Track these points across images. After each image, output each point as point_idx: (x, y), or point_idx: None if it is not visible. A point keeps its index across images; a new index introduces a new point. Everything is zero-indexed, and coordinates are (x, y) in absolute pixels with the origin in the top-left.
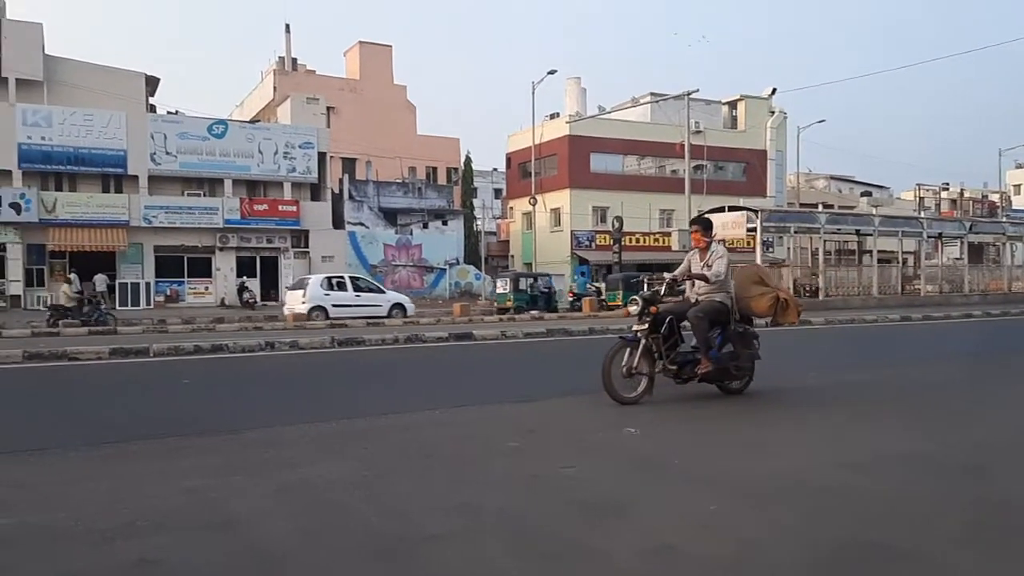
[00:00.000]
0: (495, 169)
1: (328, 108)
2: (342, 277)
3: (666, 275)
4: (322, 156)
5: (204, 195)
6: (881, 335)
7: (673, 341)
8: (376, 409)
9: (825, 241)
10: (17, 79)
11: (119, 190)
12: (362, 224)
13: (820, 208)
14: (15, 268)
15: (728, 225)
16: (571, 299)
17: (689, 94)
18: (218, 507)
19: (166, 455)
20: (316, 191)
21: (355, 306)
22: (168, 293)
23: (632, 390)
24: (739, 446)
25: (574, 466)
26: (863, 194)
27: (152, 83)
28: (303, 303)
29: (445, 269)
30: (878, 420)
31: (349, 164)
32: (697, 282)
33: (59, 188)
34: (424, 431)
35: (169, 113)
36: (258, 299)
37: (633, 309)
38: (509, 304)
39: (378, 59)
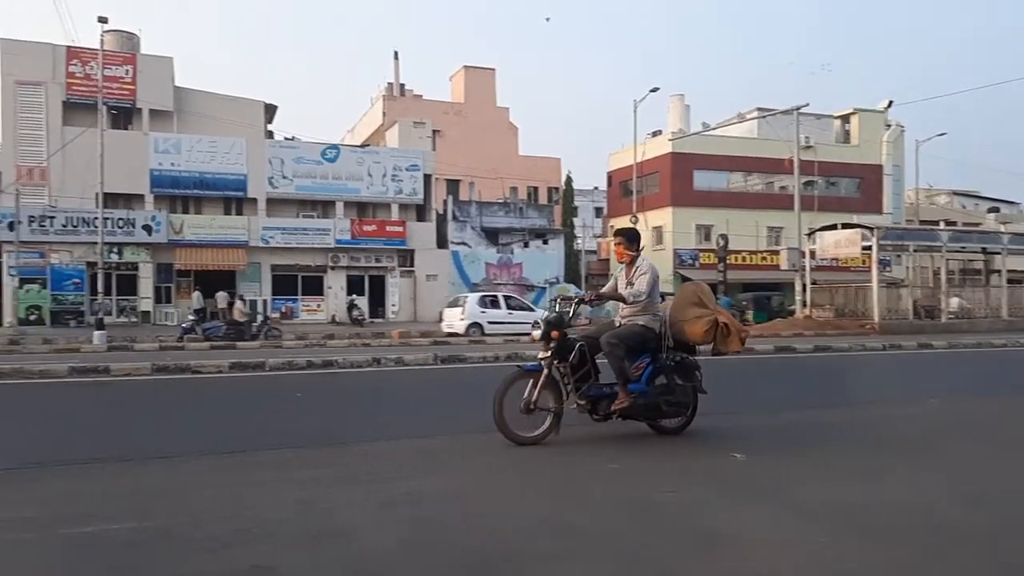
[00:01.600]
0: (596, 188)
1: (434, 131)
2: (495, 295)
3: (574, 293)
4: (427, 178)
5: (317, 216)
6: (1014, 360)
7: (585, 371)
8: (476, 426)
9: (948, 260)
10: (150, 110)
11: (240, 212)
12: (465, 243)
13: (942, 225)
14: (146, 286)
15: (841, 243)
16: None
17: (799, 108)
18: (327, 518)
19: (281, 465)
20: (421, 212)
21: (507, 323)
22: (283, 310)
23: (532, 428)
24: (850, 476)
25: (676, 491)
26: (990, 210)
27: (270, 111)
28: (461, 320)
29: (545, 288)
30: (1002, 452)
31: (453, 185)
32: (622, 304)
33: (186, 211)
34: (524, 449)
35: (286, 139)
36: (366, 316)
37: (536, 333)
38: None
39: (482, 82)
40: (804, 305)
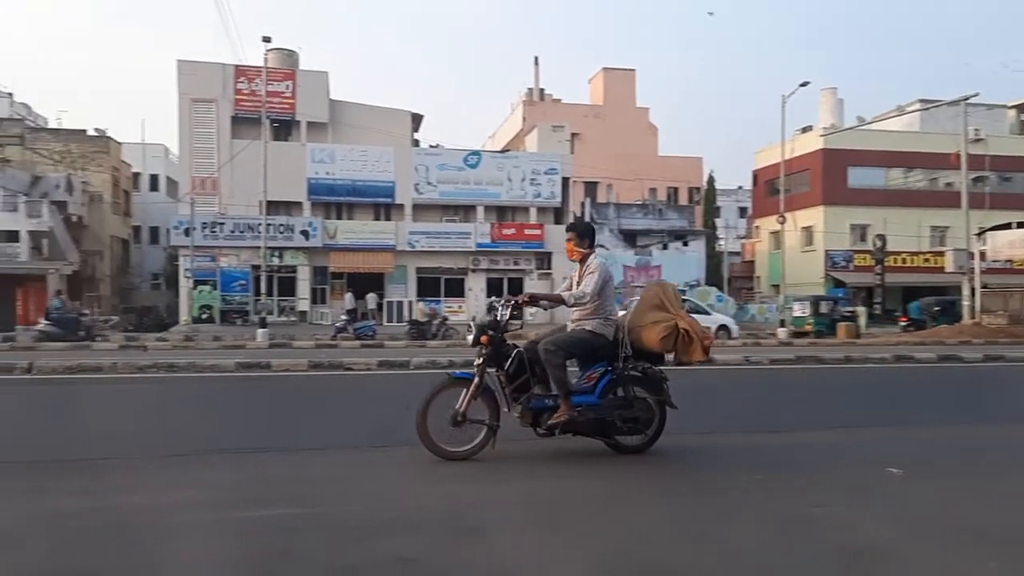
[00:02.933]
0: (740, 187)
1: (572, 135)
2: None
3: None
4: (565, 181)
5: (459, 221)
6: None
7: (524, 380)
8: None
9: None
10: (308, 122)
11: (388, 217)
12: (602, 246)
13: None
14: (303, 287)
15: (1016, 243)
16: (904, 323)
17: (967, 99)
18: (470, 513)
19: (426, 461)
20: (559, 215)
21: None
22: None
23: (462, 442)
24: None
25: (824, 505)
26: None
27: (417, 120)
28: None
29: (685, 291)
30: None
31: (591, 188)
32: (573, 308)
33: (339, 216)
34: (660, 455)
35: (431, 147)
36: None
37: (469, 338)
38: (808, 328)
39: (621, 84)
40: (972, 311)
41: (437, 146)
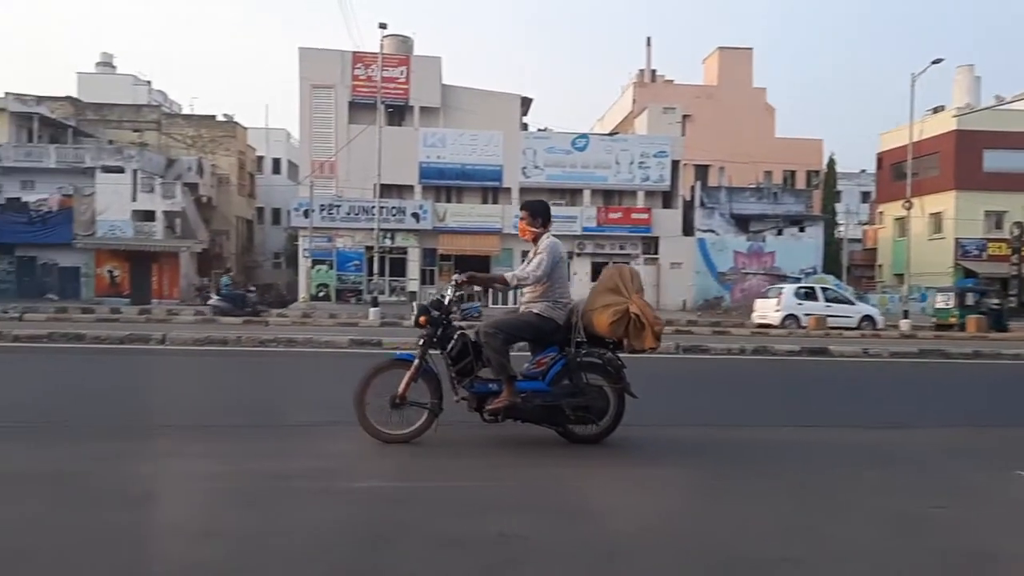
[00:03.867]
0: (863, 171)
1: (684, 116)
2: (812, 288)
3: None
4: (675, 164)
5: (565, 204)
6: None
7: (467, 364)
8: (727, 419)
9: None
10: (420, 107)
11: (495, 201)
12: (712, 231)
13: None
14: (413, 268)
15: None
16: None
17: None
18: (575, 494)
19: (533, 439)
20: (668, 199)
21: (825, 316)
22: None
23: (402, 425)
24: None
25: (946, 507)
26: None
27: (526, 103)
28: (776, 311)
29: (800, 278)
30: None
31: (702, 171)
32: (525, 290)
33: (448, 200)
34: (769, 447)
35: (539, 130)
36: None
37: (412, 318)
38: (953, 321)
39: (737, 63)
40: None
41: (545, 129)
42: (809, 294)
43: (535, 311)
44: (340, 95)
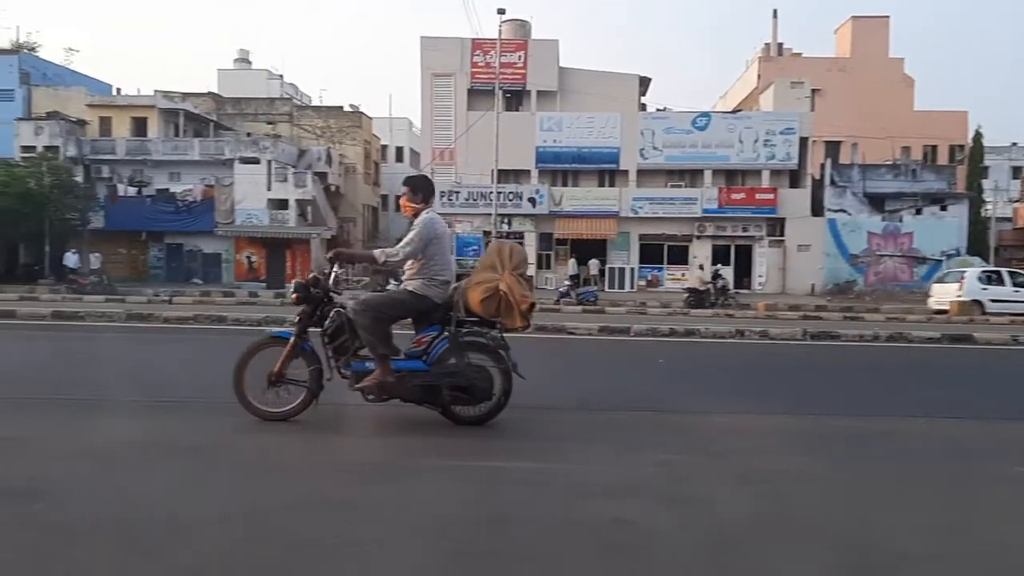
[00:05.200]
0: (1014, 144)
1: (813, 91)
2: (998, 271)
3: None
4: (803, 141)
5: (685, 186)
6: None
7: (343, 342)
8: (848, 409)
9: None
10: (537, 91)
11: (612, 184)
12: (843, 211)
13: None
14: (530, 253)
15: None
16: None
17: None
18: (686, 483)
19: (643, 427)
20: (795, 177)
21: (1014, 301)
22: (649, 278)
23: (280, 403)
24: None
25: None
26: None
27: (644, 83)
28: (958, 296)
29: (941, 260)
30: None
31: (832, 148)
32: (406, 268)
33: (564, 184)
34: (907, 440)
35: (658, 110)
36: (731, 287)
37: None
38: None
39: (872, 33)
40: None
41: (664, 109)
42: (995, 278)
43: (409, 288)
44: (459, 82)
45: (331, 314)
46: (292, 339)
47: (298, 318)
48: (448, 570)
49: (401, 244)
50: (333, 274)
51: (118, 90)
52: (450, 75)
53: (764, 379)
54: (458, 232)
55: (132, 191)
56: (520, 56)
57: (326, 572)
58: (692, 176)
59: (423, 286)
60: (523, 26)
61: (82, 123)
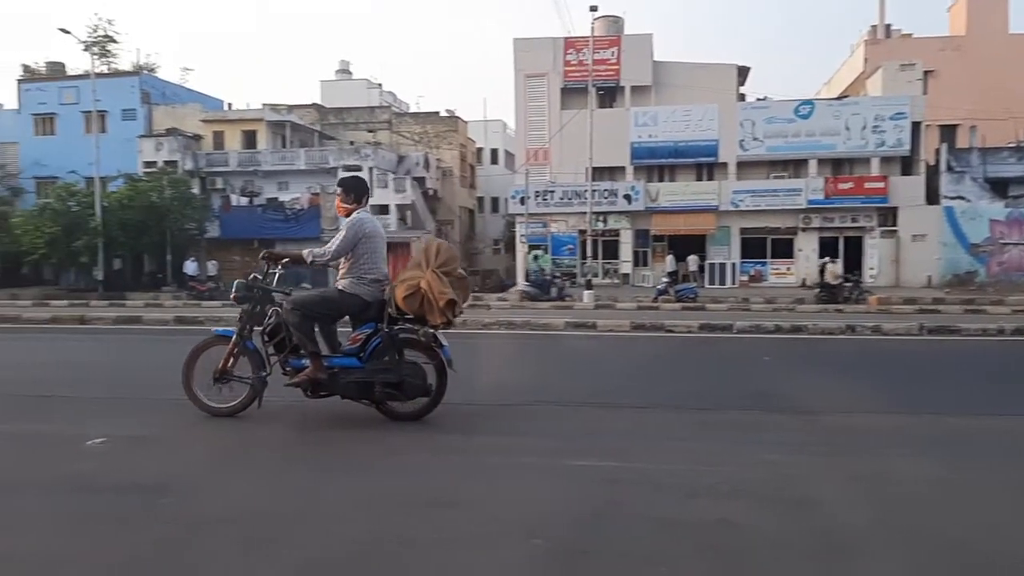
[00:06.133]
0: None
1: (925, 73)
2: None
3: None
4: (916, 126)
5: (788, 177)
6: None
7: (281, 339)
8: (969, 407)
9: None
10: (631, 86)
11: (710, 177)
12: (962, 198)
13: None
14: (626, 250)
15: None
16: None
17: None
18: (793, 484)
19: (747, 427)
20: (907, 164)
21: None
22: (752, 273)
23: (225, 399)
24: None
25: None
26: None
27: (743, 73)
28: None
29: None
30: None
31: (948, 132)
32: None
33: (661, 179)
34: (1014, 437)
35: (758, 100)
36: (862, 281)
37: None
38: None
39: (991, 8)
40: None
41: (764, 99)
42: None
43: (339, 287)
44: (552, 82)
45: (270, 312)
46: (234, 338)
47: (240, 318)
48: (545, 568)
49: (329, 244)
50: (277, 274)
51: (229, 105)
52: (543, 75)
53: (877, 376)
54: (553, 231)
55: (244, 201)
56: (613, 52)
57: (428, 569)
58: (795, 166)
59: (352, 284)
60: (616, 22)
61: (197, 138)
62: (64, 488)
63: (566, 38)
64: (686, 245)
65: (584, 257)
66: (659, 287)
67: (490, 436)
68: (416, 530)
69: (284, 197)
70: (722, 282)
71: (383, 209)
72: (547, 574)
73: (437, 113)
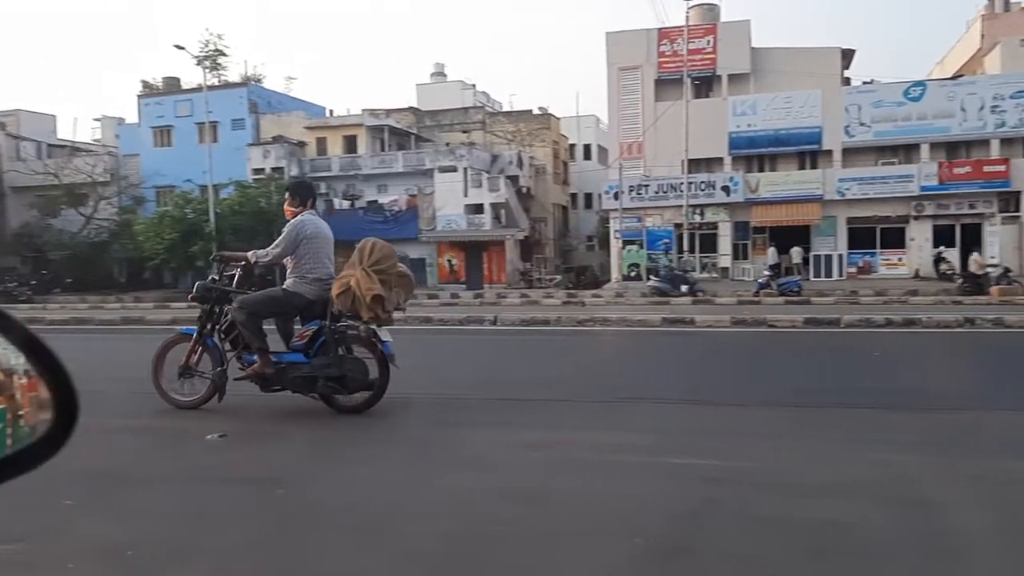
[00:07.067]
0: None
1: None
2: None
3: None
4: None
5: (898, 163)
6: None
7: (236, 335)
8: None
9: None
10: (728, 75)
11: (814, 166)
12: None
13: None
14: (725, 243)
15: None
16: None
17: None
18: (907, 484)
19: (855, 424)
20: None
21: None
22: (860, 264)
23: (190, 393)
24: None
25: None
26: None
27: (847, 56)
28: None
29: None
30: None
31: None
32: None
33: (760, 169)
34: None
35: (864, 83)
36: (957, 270)
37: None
38: None
39: None
40: None
41: (871, 82)
42: None
43: (284, 286)
44: (646, 74)
45: (227, 311)
46: (195, 335)
47: (200, 316)
48: (643, 566)
49: (272, 245)
50: (236, 275)
51: (331, 112)
52: (636, 68)
53: (999, 372)
54: (648, 226)
55: (346, 204)
56: (709, 41)
57: (523, 564)
58: (906, 151)
59: (295, 283)
60: (711, 10)
61: (302, 144)
62: (187, 480)
63: (660, 29)
64: (789, 237)
65: (680, 251)
66: (760, 281)
67: (583, 432)
68: (510, 525)
69: (383, 199)
70: (828, 274)
71: (478, 208)
72: (648, 573)
73: (530, 111)
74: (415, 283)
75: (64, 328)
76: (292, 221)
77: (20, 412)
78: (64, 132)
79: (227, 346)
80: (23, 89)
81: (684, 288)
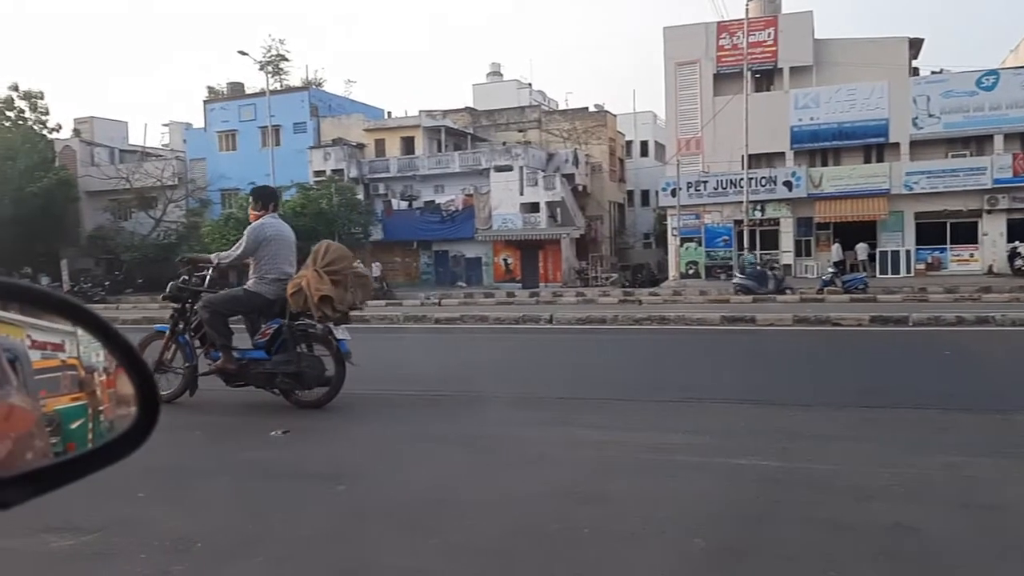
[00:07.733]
0: None
1: None
2: None
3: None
4: None
5: (970, 155)
6: None
7: (204, 333)
8: None
9: None
10: (790, 68)
11: (880, 159)
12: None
13: None
14: (787, 240)
15: None
16: None
17: None
18: (980, 488)
19: (925, 426)
20: None
21: None
22: (929, 261)
23: (165, 387)
24: None
25: None
26: None
27: (915, 46)
28: None
29: None
30: None
31: None
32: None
33: (824, 163)
34: None
35: (932, 73)
36: None
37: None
38: None
39: None
40: None
41: (940, 72)
42: None
43: (245, 286)
44: (705, 69)
45: (197, 310)
46: (167, 332)
47: (172, 315)
48: (703, 568)
49: (234, 248)
50: (207, 276)
51: (389, 113)
52: (694, 62)
53: None
54: (707, 223)
55: (404, 205)
56: (770, 33)
57: (582, 563)
58: (978, 143)
59: (255, 283)
60: (772, 2)
61: (361, 146)
62: (251, 474)
63: (719, 22)
64: (854, 232)
65: (740, 249)
66: (824, 278)
67: (642, 432)
68: (569, 524)
69: (440, 199)
70: (895, 271)
71: (533, 207)
72: (710, 574)
73: (586, 109)
74: (373, 285)
75: (137, 326)
76: (253, 224)
77: (100, 408)
78: (135, 138)
79: (197, 343)
80: (96, 96)
81: (771, 285)
